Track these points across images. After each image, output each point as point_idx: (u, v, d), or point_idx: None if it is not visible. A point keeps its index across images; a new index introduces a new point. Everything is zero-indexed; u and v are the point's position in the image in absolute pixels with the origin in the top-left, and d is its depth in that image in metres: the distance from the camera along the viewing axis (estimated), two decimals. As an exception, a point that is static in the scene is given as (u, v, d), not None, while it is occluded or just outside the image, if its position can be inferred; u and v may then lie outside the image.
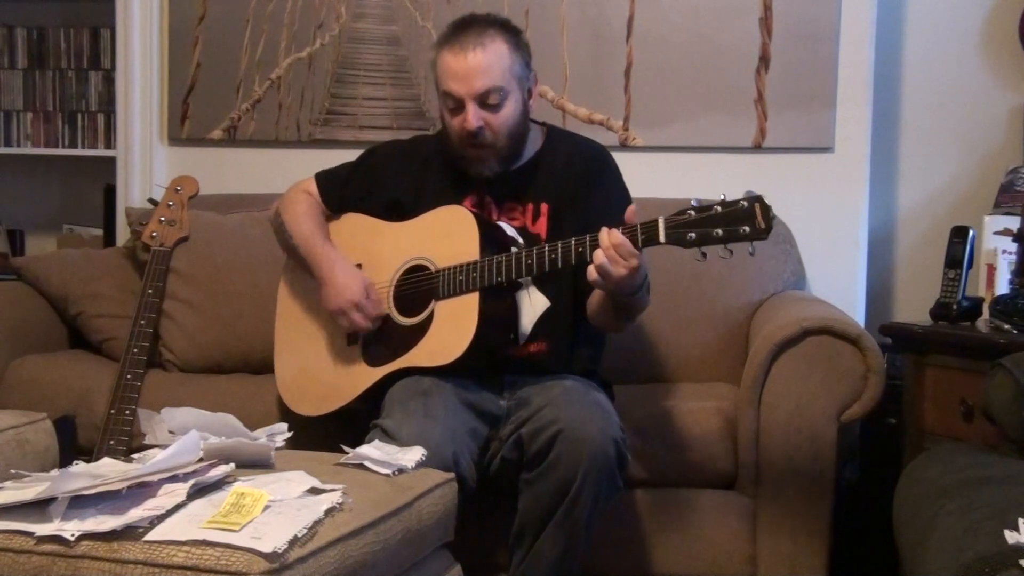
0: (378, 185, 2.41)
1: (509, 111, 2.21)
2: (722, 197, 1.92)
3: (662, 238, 1.95)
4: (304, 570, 1.46)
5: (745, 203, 1.89)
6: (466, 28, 2.22)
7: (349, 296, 2.27)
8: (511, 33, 2.24)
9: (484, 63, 2.17)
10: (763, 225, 1.88)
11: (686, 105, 3.06)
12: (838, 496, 2.32)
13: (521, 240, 2.25)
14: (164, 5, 3.32)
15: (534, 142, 2.33)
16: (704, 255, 1.93)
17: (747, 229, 1.89)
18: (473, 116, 2.18)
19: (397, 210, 2.36)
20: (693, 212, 1.93)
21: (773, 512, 2.30)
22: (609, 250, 1.95)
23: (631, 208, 2.01)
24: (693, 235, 1.92)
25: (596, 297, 2.18)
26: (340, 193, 2.45)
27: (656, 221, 1.96)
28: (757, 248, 1.91)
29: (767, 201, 1.89)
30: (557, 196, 2.30)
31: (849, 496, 2.58)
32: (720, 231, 1.90)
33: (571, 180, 2.30)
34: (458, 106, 2.20)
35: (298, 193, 2.46)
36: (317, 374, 2.37)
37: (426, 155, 2.39)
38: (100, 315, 2.83)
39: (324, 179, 2.48)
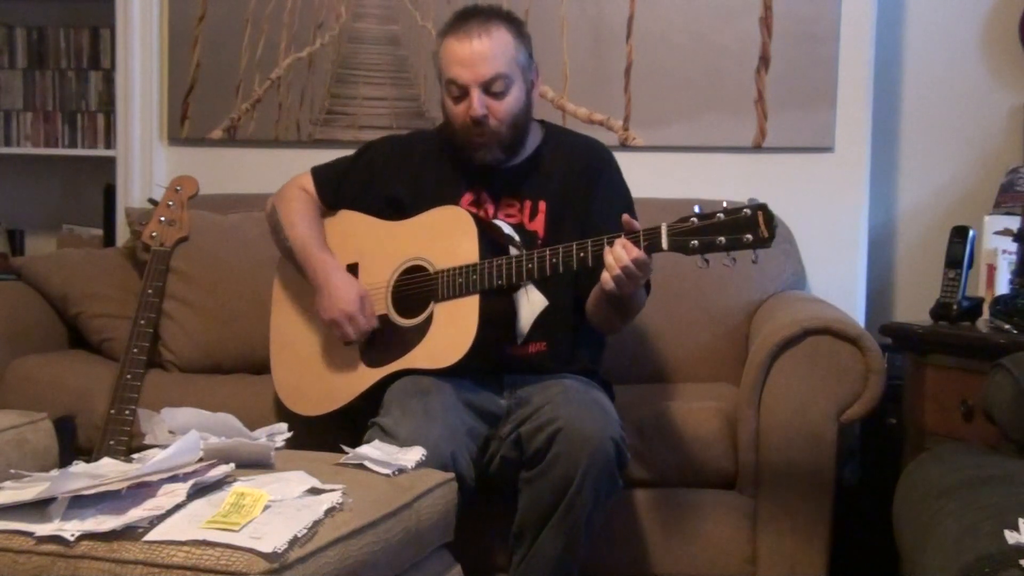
0: (376, 179, 2.40)
1: (513, 99, 2.21)
2: (724, 204, 1.92)
3: (665, 245, 1.95)
4: (304, 570, 1.46)
5: (748, 211, 1.89)
6: (470, 17, 2.23)
7: (343, 307, 2.26)
8: (514, 24, 2.25)
9: (489, 50, 2.18)
10: (766, 234, 1.87)
11: (686, 105, 3.06)
12: (838, 496, 2.32)
13: (518, 238, 2.25)
14: (164, 5, 3.32)
15: (533, 139, 2.33)
16: (707, 262, 1.93)
17: (750, 237, 1.88)
18: (478, 103, 2.18)
19: (395, 205, 2.35)
20: (696, 219, 1.93)
21: (773, 512, 2.30)
22: (630, 266, 1.95)
23: (626, 216, 2.00)
24: (696, 243, 1.92)
25: (594, 297, 2.18)
26: (337, 188, 2.44)
27: (659, 228, 1.96)
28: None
29: (770, 208, 1.88)
30: (555, 194, 2.29)
31: (849, 496, 2.58)
32: (723, 239, 1.90)
33: (571, 178, 2.30)
34: (462, 93, 2.20)
35: (294, 190, 2.45)
36: (316, 374, 2.37)
37: (425, 150, 2.39)
38: (100, 315, 2.83)
39: (321, 174, 2.46)
